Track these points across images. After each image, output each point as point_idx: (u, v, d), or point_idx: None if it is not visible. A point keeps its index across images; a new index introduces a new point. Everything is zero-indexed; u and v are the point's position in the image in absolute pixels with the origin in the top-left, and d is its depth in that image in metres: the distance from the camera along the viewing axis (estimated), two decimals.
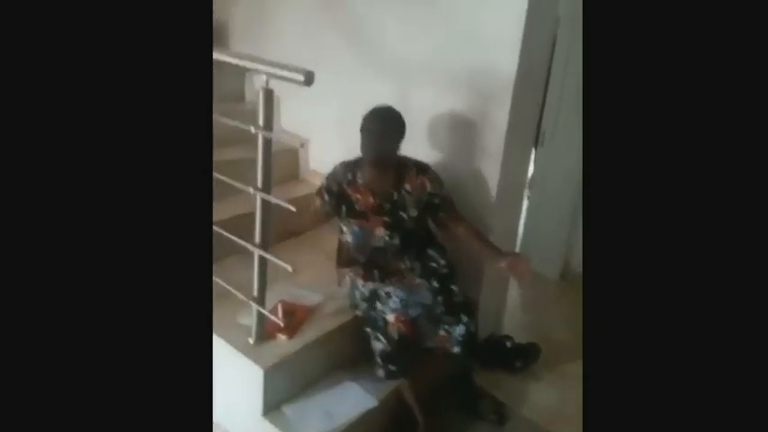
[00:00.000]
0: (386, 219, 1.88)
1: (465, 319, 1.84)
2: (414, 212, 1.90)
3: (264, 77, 1.47)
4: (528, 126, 2.21)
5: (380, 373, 1.82)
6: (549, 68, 2.85)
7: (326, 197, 1.94)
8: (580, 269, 2.98)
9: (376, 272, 1.89)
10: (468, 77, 2.02)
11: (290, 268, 1.56)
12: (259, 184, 1.55)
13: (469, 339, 1.84)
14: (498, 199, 2.10)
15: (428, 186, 1.91)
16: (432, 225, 2.00)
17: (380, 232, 1.89)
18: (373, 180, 1.89)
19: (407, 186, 1.89)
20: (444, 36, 2.05)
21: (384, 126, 1.83)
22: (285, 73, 1.40)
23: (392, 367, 1.79)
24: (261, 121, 1.50)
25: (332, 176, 1.95)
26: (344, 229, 1.94)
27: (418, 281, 1.88)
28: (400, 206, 1.89)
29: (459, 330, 1.82)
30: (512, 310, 2.71)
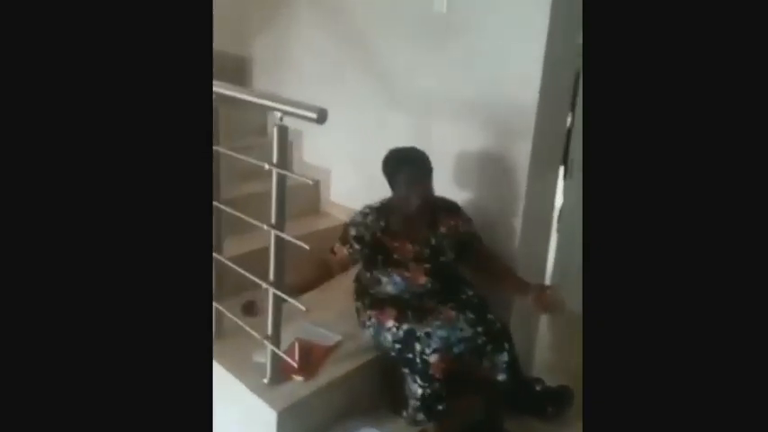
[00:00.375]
0: (426, 266, 1.82)
1: (507, 345, 1.82)
2: (451, 255, 1.86)
3: (279, 115, 1.45)
4: (552, 158, 2.15)
5: (419, 416, 1.73)
6: (575, 98, 2.79)
7: (357, 246, 1.81)
8: None
9: (410, 312, 1.82)
10: (489, 112, 1.98)
11: (303, 308, 1.51)
12: (273, 220, 1.53)
13: (514, 364, 1.84)
14: (524, 235, 2.02)
15: (461, 226, 1.88)
16: (464, 261, 1.93)
17: (423, 280, 1.83)
18: (409, 226, 1.82)
19: (443, 229, 1.85)
20: (464, 70, 2.02)
21: (423, 168, 1.77)
22: (298, 110, 1.39)
23: (432, 408, 1.71)
24: (275, 158, 1.48)
25: (361, 224, 1.83)
26: (383, 279, 1.84)
27: (453, 314, 1.82)
28: (439, 251, 1.84)
29: (504, 357, 1.81)
30: (542, 349, 2.60)
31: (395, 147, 1.85)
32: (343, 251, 1.84)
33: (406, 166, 1.77)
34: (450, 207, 1.90)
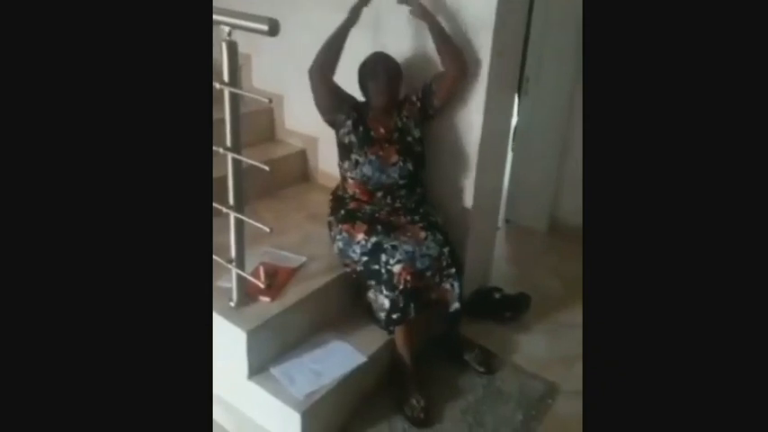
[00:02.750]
0: (397, 146, 1.97)
1: (461, 276, 1.93)
2: (417, 133, 2.02)
3: (227, 29, 1.39)
4: (510, 74, 2.15)
5: (382, 323, 1.84)
6: (530, 14, 2.77)
7: (342, 106, 1.99)
8: (568, 220, 2.96)
9: (379, 227, 1.89)
10: (448, 29, 1.94)
11: (267, 229, 1.52)
12: (228, 143, 1.49)
13: (463, 297, 1.94)
14: (482, 151, 2.05)
15: (414, 100, 2.01)
16: (436, 99, 1.98)
17: (395, 158, 1.95)
18: (381, 116, 2.00)
19: (405, 113, 2.01)
20: None
21: (390, 72, 1.95)
22: (248, 23, 1.32)
23: (395, 316, 1.79)
24: (225, 77, 1.42)
25: (350, 97, 2.03)
26: (360, 160, 1.95)
27: (423, 234, 1.88)
28: (405, 131, 2.00)
29: (459, 287, 1.91)
30: (501, 263, 2.71)
31: (370, 54, 1.99)
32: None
33: (377, 69, 1.95)
34: (405, 97, 2.06)
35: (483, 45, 1.91)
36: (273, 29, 1.29)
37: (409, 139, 2.00)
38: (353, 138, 1.97)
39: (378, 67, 1.95)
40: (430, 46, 1.97)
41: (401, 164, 1.96)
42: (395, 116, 2.01)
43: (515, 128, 3.00)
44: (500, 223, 3.05)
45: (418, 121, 2.01)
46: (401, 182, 1.96)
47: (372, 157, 1.95)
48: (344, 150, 2.00)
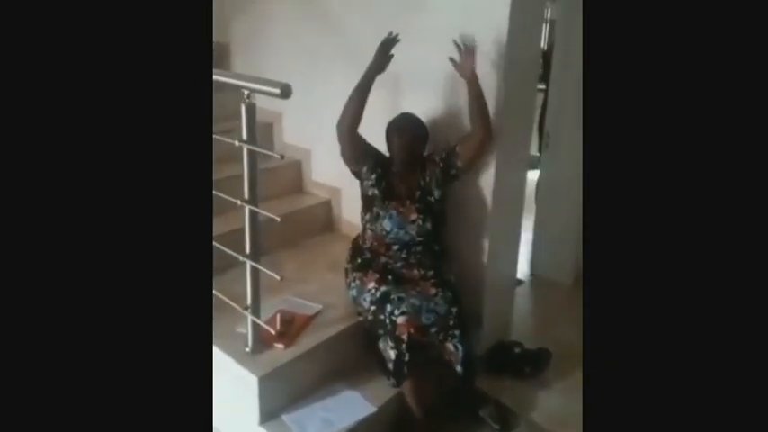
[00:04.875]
0: (418, 205, 2.02)
1: (467, 339, 1.89)
2: (438, 193, 2.05)
3: (246, 93, 1.52)
4: (524, 130, 2.21)
5: (390, 375, 1.83)
6: (548, 70, 2.85)
7: (372, 162, 2.06)
8: None
9: (390, 277, 1.93)
10: (458, 84, 2.02)
11: (278, 277, 1.59)
12: (246, 196, 1.59)
13: (471, 360, 1.89)
14: (494, 207, 2.09)
15: (437, 161, 2.05)
16: (460, 161, 2.01)
17: (414, 216, 2.00)
18: (404, 173, 2.07)
19: (428, 172, 2.06)
20: (430, 43, 2.05)
21: (415, 131, 2.03)
22: (262, 87, 1.45)
23: (402, 369, 1.79)
24: (244, 135, 1.54)
25: (376, 152, 2.09)
26: (381, 214, 2.01)
27: (434, 290, 1.90)
28: (427, 191, 2.05)
29: (463, 350, 1.86)
30: (524, 317, 2.68)
31: (398, 114, 2.07)
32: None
33: (400, 123, 2.03)
34: (428, 156, 2.11)
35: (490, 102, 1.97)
36: (285, 93, 1.40)
37: (430, 198, 2.04)
38: (376, 191, 2.04)
39: (404, 125, 2.03)
40: (456, 106, 2.05)
41: (420, 222, 2.00)
42: (418, 174, 2.06)
43: (538, 182, 3.03)
44: (525, 277, 3.04)
45: (440, 181, 2.04)
46: (418, 239, 2.00)
47: (393, 213, 2.01)
48: (367, 202, 2.08)
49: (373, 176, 2.04)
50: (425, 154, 2.09)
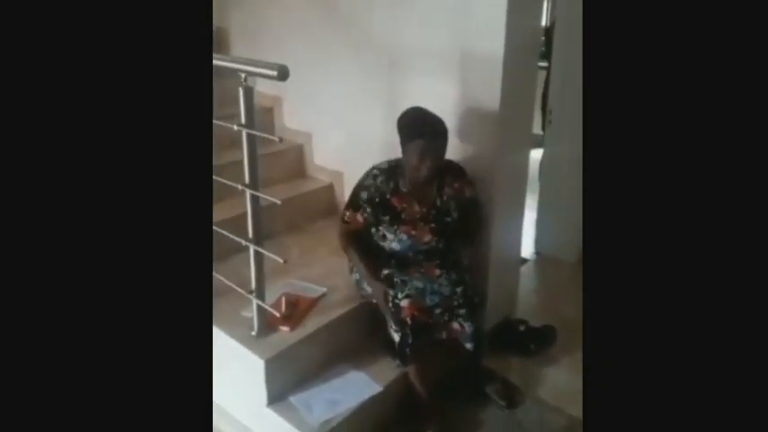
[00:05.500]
0: (432, 225, 1.88)
1: (476, 317, 1.86)
2: (455, 215, 1.91)
3: (243, 75, 1.51)
4: (526, 108, 2.19)
5: (396, 357, 1.84)
6: (550, 47, 2.81)
7: (369, 209, 1.87)
8: None
9: (394, 261, 1.90)
10: (458, 64, 2.01)
11: (281, 260, 1.60)
12: (246, 180, 1.60)
13: (481, 336, 1.88)
14: (499, 185, 2.08)
15: (467, 192, 1.93)
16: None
17: (428, 238, 1.88)
18: (417, 188, 1.87)
19: (448, 191, 1.90)
20: (432, 25, 2.04)
21: (435, 138, 1.77)
22: (259, 69, 1.44)
23: (406, 351, 1.79)
24: (243, 119, 1.54)
25: (372, 186, 1.87)
26: (389, 236, 1.88)
27: (438, 271, 1.89)
28: (444, 212, 1.90)
29: (473, 327, 1.84)
30: (528, 295, 2.69)
31: (412, 107, 1.83)
32: (357, 217, 1.89)
33: (419, 137, 1.75)
34: (456, 170, 1.93)
35: (493, 83, 1.95)
36: (282, 75, 1.39)
37: (447, 219, 1.89)
38: (381, 217, 1.87)
39: (427, 144, 1.74)
40: (459, 89, 2.02)
41: (434, 243, 1.89)
42: (434, 189, 1.88)
43: (541, 160, 3.01)
44: (530, 255, 3.04)
45: (461, 206, 1.91)
46: (430, 255, 1.92)
47: (403, 237, 1.86)
48: (375, 220, 1.89)
49: (376, 209, 1.87)
50: (451, 167, 1.92)
